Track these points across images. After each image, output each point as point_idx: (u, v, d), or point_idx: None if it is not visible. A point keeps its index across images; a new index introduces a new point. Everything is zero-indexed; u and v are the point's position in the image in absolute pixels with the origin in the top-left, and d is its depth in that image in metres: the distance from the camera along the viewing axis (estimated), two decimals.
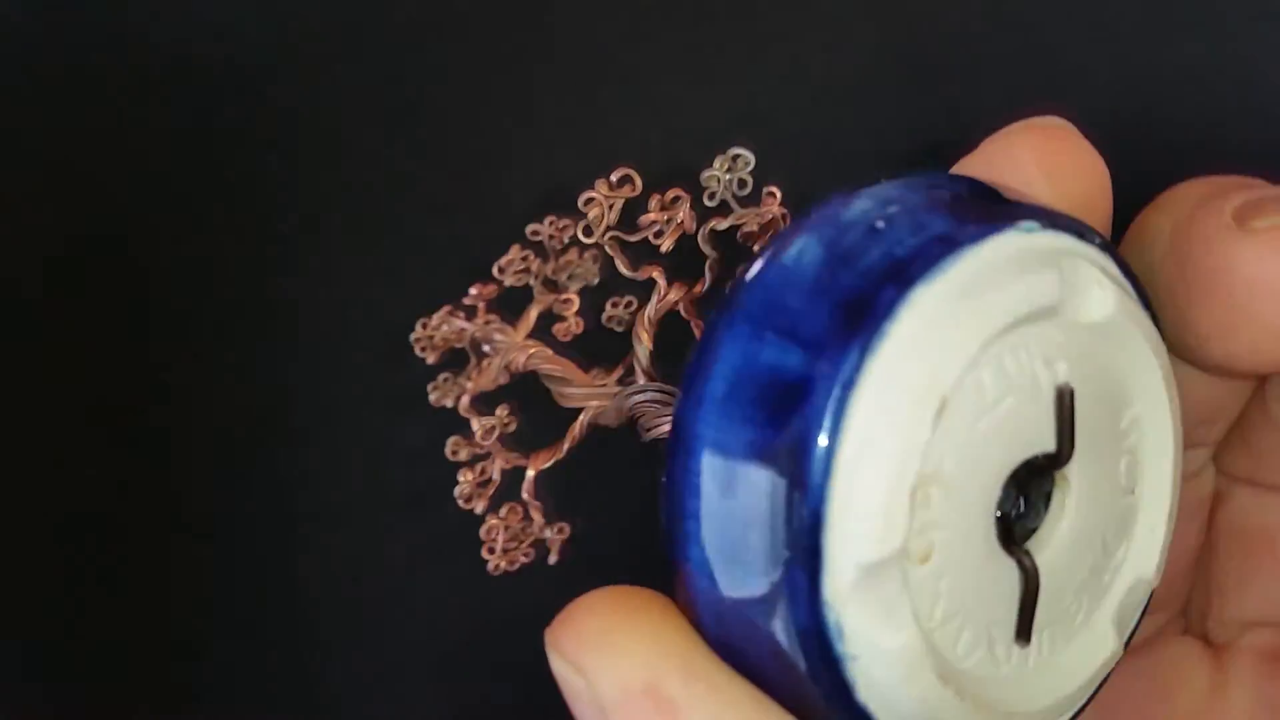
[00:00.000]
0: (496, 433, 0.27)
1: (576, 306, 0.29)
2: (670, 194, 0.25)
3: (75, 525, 0.28)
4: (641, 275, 0.26)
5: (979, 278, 0.16)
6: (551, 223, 0.29)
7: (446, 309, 0.30)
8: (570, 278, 0.29)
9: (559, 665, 0.17)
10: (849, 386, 0.15)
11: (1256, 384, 0.21)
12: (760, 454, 0.16)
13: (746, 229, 0.26)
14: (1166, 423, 0.18)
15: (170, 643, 0.29)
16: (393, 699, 0.29)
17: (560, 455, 0.28)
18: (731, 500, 0.16)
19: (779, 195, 0.26)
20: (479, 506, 0.27)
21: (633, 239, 0.26)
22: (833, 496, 0.15)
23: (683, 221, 0.25)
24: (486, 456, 0.29)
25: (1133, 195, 0.21)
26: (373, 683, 0.29)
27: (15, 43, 0.29)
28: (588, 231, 0.26)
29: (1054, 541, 0.18)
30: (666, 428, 0.25)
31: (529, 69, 0.28)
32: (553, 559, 0.28)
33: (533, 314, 0.29)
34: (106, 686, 0.29)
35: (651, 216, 0.25)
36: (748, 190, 0.25)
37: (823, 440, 0.15)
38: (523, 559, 0.28)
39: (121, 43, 0.29)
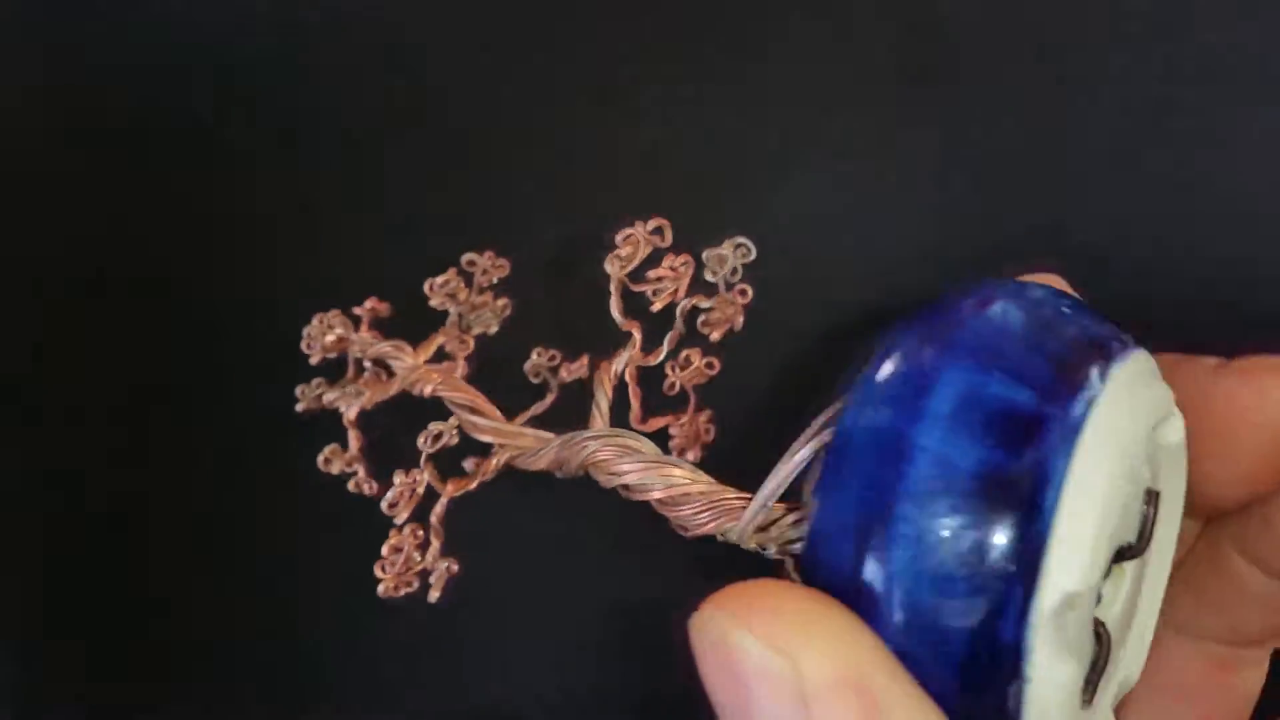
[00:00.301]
0: (443, 441, 0.25)
1: (470, 350, 0.28)
2: (681, 258, 0.26)
3: (89, 525, 0.28)
4: (625, 326, 0.26)
5: (1142, 375, 0.19)
6: (489, 258, 0.28)
7: (336, 312, 0.28)
8: (476, 319, 0.28)
9: (748, 643, 0.16)
10: (1076, 431, 0.17)
11: (1202, 528, 0.24)
12: (991, 472, 0.17)
13: (712, 315, 0.27)
14: (1170, 549, 0.22)
15: (184, 642, 0.28)
16: (397, 699, 0.28)
17: (470, 487, 0.26)
18: (948, 510, 0.17)
19: (749, 295, 0.27)
20: (402, 515, 0.25)
21: (634, 289, 0.26)
22: (1057, 524, 0.17)
23: (678, 289, 0.26)
24: (355, 473, 0.27)
25: None
26: (377, 680, 0.28)
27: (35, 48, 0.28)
28: (613, 264, 0.26)
29: (1107, 622, 0.20)
30: (631, 475, 0.24)
31: (568, 99, 0.28)
32: (433, 595, 0.26)
33: (436, 342, 0.28)
34: (117, 686, 0.27)
35: (661, 273, 0.26)
36: (737, 279, 0.27)
37: (1057, 472, 0.17)
38: (406, 588, 0.26)
39: (134, 46, 0.28)
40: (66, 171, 0.29)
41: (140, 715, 0.28)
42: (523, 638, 0.28)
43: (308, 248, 0.28)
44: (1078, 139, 0.27)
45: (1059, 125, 0.27)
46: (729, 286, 0.27)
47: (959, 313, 0.19)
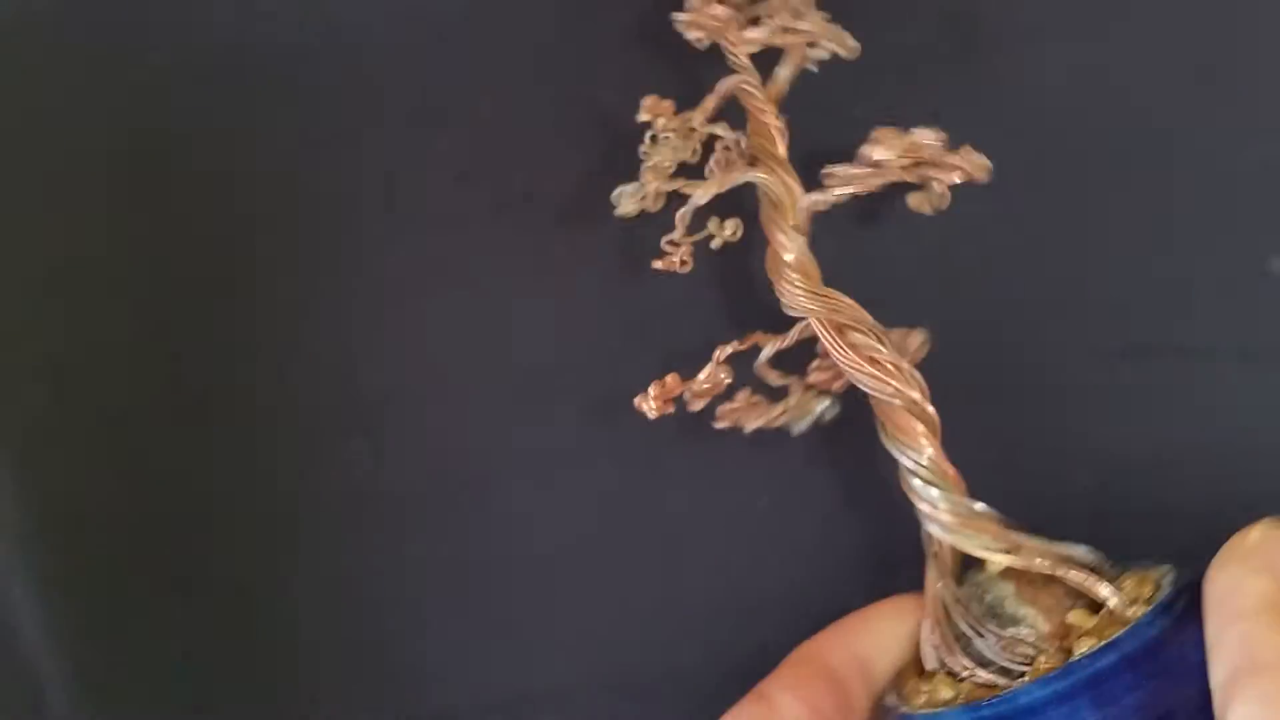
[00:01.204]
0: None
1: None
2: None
3: (162, 517, 0.30)
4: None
5: None
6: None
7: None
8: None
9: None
10: None
11: None
12: None
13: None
14: None
15: (261, 630, 0.30)
16: (476, 678, 0.30)
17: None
18: None
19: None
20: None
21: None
22: None
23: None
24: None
25: None
26: (455, 658, 0.30)
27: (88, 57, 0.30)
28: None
29: None
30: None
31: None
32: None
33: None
34: (196, 677, 0.30)
35: None
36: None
37: None
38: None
39: (191, 47, 0.30)
40: (152, 174, 0.30)
41: (235, 708, 0.30)
42: (572, 619, 0.30)
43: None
44: (1118, 116, 0.28)
45: (1098, 104, 0.28)
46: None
47: None
